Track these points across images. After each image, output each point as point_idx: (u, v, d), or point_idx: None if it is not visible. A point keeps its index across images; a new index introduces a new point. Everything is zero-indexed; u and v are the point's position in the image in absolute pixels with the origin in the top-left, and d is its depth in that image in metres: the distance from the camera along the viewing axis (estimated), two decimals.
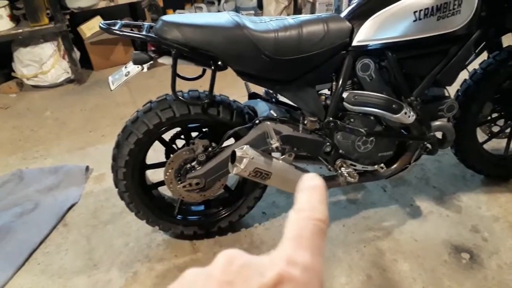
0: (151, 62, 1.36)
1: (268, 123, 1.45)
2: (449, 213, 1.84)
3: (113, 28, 1.35)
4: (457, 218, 1.82)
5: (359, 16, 1.46)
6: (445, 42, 1.47)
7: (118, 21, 1.42)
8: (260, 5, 3.81)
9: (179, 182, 1.58)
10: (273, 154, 1.47)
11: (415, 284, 1.53)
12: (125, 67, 1.44)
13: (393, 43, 1.44)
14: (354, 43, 1.45)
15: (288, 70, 1.45)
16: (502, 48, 1.70)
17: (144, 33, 1.35)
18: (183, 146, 1.62)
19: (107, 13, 3.55)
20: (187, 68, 1.42)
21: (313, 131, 1.53)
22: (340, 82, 1.48)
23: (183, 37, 1.33)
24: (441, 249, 1.68)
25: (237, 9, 3.72)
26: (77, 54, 3.37)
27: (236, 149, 1.40)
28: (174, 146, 1.65)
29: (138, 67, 1.38)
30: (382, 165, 1.62)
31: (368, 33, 1.43)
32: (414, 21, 1.40)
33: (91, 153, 2.45)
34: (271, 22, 1.45)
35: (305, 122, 1.53)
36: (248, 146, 1.42)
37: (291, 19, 1.47)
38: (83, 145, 2.53)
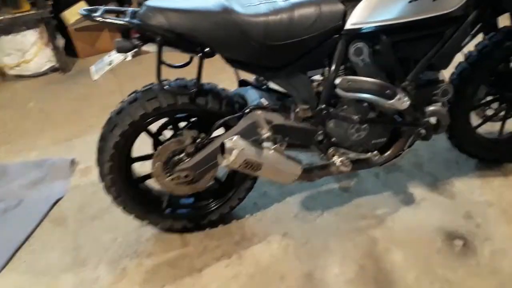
0: (136, 50, 1.30)
1: (259, 112, 1.40)
2: (442, 199, 1.82)
3: (94, 14, 1.27)
4: (450, 204, 1.79)
5: None
6: (440, 24, 1.41)
7: (101, 6, 1.34)
8: None
9: (167, 175, 1.53)
10: (264, 143, 1.42)
11: (408, 273, 1.51)
12: (109, 56, 1.37)
13: (387, 26, 1.38)
14: (347, 26, 1.39)
15: (279, 56, 1.39)
16: (497, 29, 1.65)
17: (127, 19, 1.28)
18: (171, 137, 1.56)
19: None
20: (174, 55, 1.35)
21: (305, 119, 1.49)
22: (333, 68, 1.42)
23: (168, 23, 1.26)
24: (434, 236, 1.65)
25: None
26: (61, 41, 3.27)
27: (225, 140, 1.35)
28: (161, 137, 1.60)
29: (121, 55, 1.31)
30: (375, 152, 1.58)
31: (362, 16, 1.37)
32: (410, 2, 1.34)
33: (78, 145, 2.38)
34: (261, 5, 1.38)
35: (297, 110, 1.48)
36: (238, 136, 1.37)
37: (282, 1, 1.40)
38: (69, 137, 2.46)
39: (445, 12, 1.38)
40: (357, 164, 1.57)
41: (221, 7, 1.30)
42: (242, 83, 1.66)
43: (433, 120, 1.60)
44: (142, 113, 1.42)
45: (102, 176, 1.53)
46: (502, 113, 1.87)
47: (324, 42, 1.40)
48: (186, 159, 1.51)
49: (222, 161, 1.37)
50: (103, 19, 1.25)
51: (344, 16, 1.38)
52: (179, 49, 1.33)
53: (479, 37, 1.67)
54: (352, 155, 1.56)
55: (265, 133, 1.38)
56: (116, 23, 1.26)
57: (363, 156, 1.57)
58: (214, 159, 1.47)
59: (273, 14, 1.33)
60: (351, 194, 1.87)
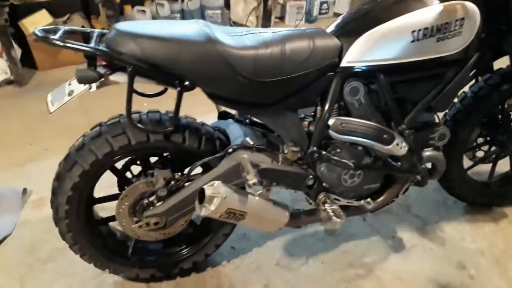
0: (101, 80, 1.10)
1: (245, 155, 1.23)
2: (433, 246, 1.71)
3: (53, 37, 1.07)
4: (441, 251, 1.68)
5: (349, 32, 1.27)
6: (441, 65, 1.31)
7: (60, 27, 1.14)
8: (227, 4, 3.56)
9: (134, 220, 1.33)
10: (249, 189, 1.25)
11: None
12: (69, 84, 1.17)
13: (387, 66, 1.26)
14: (343, 64, 1.25)
15: (268, 93, 1.23)
16: (493, 71, 1.58)
17: (92, 45, 1.08)
18: (139, 174, 1.37)
19: (55, 6, 3.18)
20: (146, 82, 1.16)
21: (294, 162, 1.33)
22: (326, 107, 1.28)
23: (141, 51, 1.08)
24: None
25: (202, 8, 3.45)
26: (17, 51, 2.98)
27: (205, 186, 1.17)
28: (128, 173, 1.40)
29: (84, 86, 1.11)
30: (369, 200, 1.44)
31: (359, 53, 1.24)
32: (412, 41, 1.23)
33: (31, 171, 2.12)
34: (248, 35, 1.22)
35: (285, 151, 1.32)
36: (219, 183, 1.19)
37: (271, 33, 1.25)
38: (21, 161, 2.19)
39: (448, 54, 1.27)
40: (347, 211, 1.42)
41: (204, 36, 1.13)
42: (223, 115, 1.49)
43: (428, 164, 1.49)
44: (107, 151, 1.21)
45: (57, 220, 1.31)
46: (493, 156, 1.80)
47: (318, 79, 1.26)
48: (157, 203, 1.31)
49: (200, 210, 1.18)
50: (63, 44, 1.05)
51: (340, 53, 1.25)
52: (153, 81, 1.14)
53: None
54: (344, 201, 1.42)
55: (251, 178, 1.21)
56: (80, 49, 1.06)
57: (355, 203, 1.43)
58: (190, 204, 1.28)
59: (263, 47, 1.18)
60: (337, 238, 1.72)
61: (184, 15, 3.37)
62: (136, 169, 1.40)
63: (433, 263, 1.63)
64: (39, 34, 1.07)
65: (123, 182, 1.39)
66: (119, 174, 1.39)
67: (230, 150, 1.29)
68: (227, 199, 1.17)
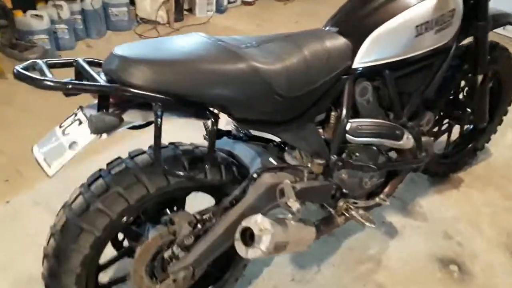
0: (123, 127, 0.86)
1: (287, 181, 1.09)
2: (418, 223, 1.81)
3: (39, 78, 0.79)
4: (427, 227, 1.79)
5: (355, 31, 1.22)
6: (435, 55, 1.35)
7: (38, 60, 0.86)
8: (132, 1, 3.20)
9: (156, 281, 1.11)
10: (287, 215, 1.13)
11: None
12: (63, 132, 0.88)
13: (394, 62, 1.25)
14: (355, 65, 1.20)
15: (296, 108, 1.12)
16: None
17: (102, 82, 0.83)
18: (147, 221, 1.14)
19: None
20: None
21: (319, 175, 1.25)
22: (344, 112, 1.22)
23: (163, 82, 0.87)
24: (430, 266, 1.62)
25: (105, 6, 3.03)
26: None
27: (249, 225, 1.02)
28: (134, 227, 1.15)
29: (94, 135, 0.85)
30: (382, 196, 1.44)
31: (370, 53, 1.21)
32: (416, 36, 1.24)
33: None
34: (263, 46, 1.08)
35: (309, 165, 1.23)
36: (262, 216, 1.04)
37: (282, 39, 1.13)
38: None
39: (442, 44, 1.32)
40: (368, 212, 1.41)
41: (228, 53, 0.96)
42: (218, 134, 1.33)
43: None
44: (122, 209, 0.97)
45: None
46: (445, 128, 1.95)
47: (334, 84, 1.19)
48: (182, 253, 1.11)
49: (246, 252, 1.03)
50: (65, 86, 0.78)
51: (353, 54, 1.20)
52: (177, 115, 0.94)
53: None
54: (362, 203, 1.39)
55: (294, 204, 1.09)
56: (91, 90, 0.80)
57: (372, 202, 1.42)
58: (223, 244, 1.11)
59: (288, 58, 1.06)
60: (338, 237, 1.71)
61: (86, 16, 2.92)
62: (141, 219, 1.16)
63: (424, 240, 1.73)
64: (22, 73, 0.79)
65: (129, 238, 1.14)
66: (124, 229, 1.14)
67: (254, 175, 1.14)
68: (274, 233, 1.05)
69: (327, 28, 1.27)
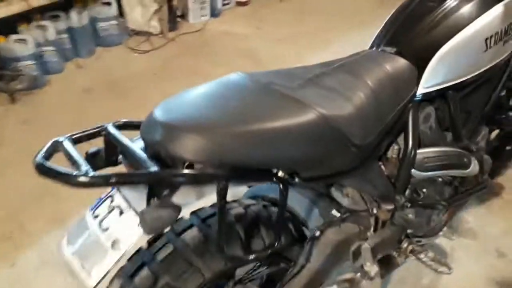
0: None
1: (366, 244, 0.92)
2: (468, 242, 1.67)
3: (76, 174, 0.60)
4: (477, 245, 1.66)
5: (418, 51, 1.05)
6: (497, 69, 1.19)
7: (59, 138, 0.66)
8: (121, 13, 2.95)
9: None
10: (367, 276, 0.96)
11: None
12: (100, 223, 0.69)
13: (460, 82, 1.08)
14: (421, 90, 1.03)
15: (367, 152, 0.95)
16: None
17: (151, 167, 0.63)
18: None
19: None
20: None
21: (386, 221, 1.08)
22: (410, 144, 1.05)
23: (226, 152, 0.69)
24: None
25: (92, 21, 2.78)
26: None
27: None
28: None
29: (142, 232, 0.66)
30: (445, 228, 1.28)
31: (437, 75, 1.04)
32: (485, 51, 1.07)
33: None
34: (321, 79, 0.90)
35: (375, 211, 1.06)
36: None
37: (337, 68, 0.96)
38: None
39: (505, 55, 1.16)
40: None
41: (288, 101, 0.78)
42: None
43: None
44: None
45: None
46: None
47: (401, 115, 1.02)
48: None
49: None
50: (109, 181, 0.59)
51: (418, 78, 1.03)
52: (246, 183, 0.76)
53: None
54: (425, 240, 1.24)
55: (373, 268, 0.92)
56: (137, 181, 0.61)
57: (434, 238, 1.26)
58: None
59: (354, 95, 0.88)
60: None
61: (73, 34, 2.67)
62: None
63: (477, 260, 1.60)
64: (46, 168, 0.60)
65: None
66: None
67: (317, 233, 0.97)
68: None
69: (380, 48, 1.09)
